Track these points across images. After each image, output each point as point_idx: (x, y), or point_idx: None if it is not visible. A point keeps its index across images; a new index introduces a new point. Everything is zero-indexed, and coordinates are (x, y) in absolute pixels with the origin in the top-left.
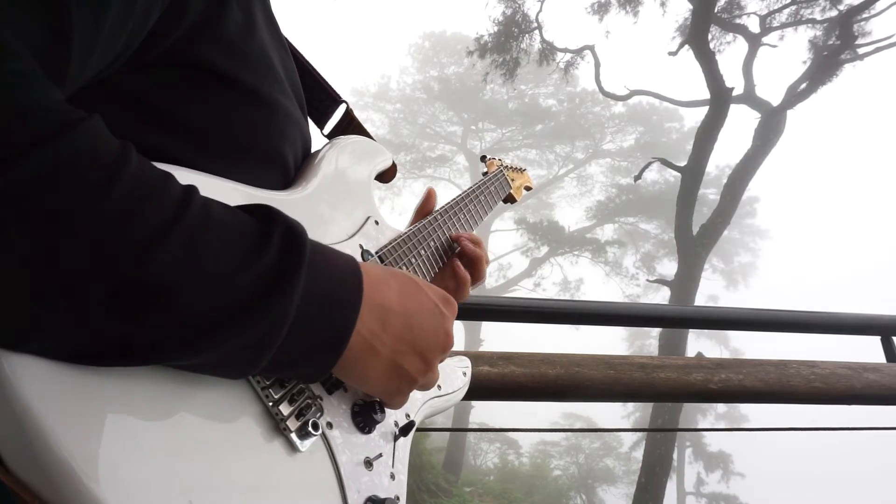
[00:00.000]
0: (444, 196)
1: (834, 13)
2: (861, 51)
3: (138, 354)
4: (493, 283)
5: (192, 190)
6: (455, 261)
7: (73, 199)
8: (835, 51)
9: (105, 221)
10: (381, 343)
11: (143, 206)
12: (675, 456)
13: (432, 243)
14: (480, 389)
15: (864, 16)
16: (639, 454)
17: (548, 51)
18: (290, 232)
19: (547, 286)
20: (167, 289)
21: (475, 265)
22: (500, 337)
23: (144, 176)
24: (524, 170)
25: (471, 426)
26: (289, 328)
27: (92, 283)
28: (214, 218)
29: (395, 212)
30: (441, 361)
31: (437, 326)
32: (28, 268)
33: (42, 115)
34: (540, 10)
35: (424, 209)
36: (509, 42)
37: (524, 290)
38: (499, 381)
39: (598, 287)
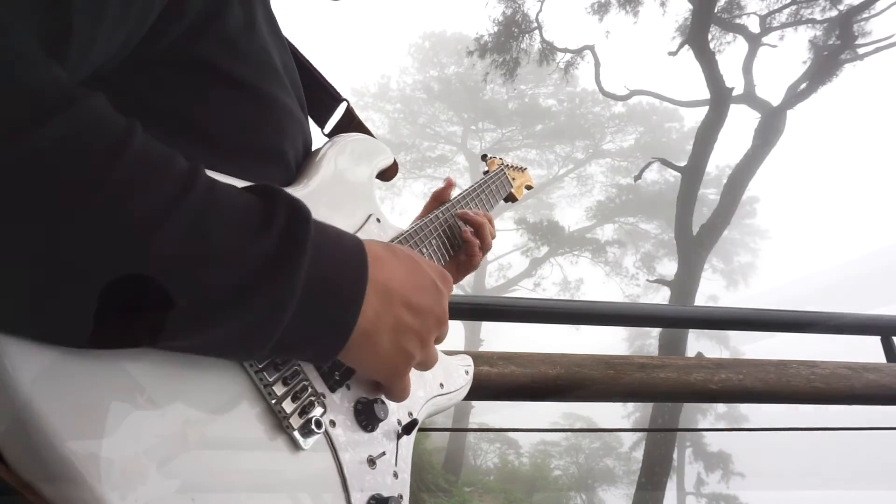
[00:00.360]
0: None
1: (834, 13)
2: (861, 51)
3: (142, 334)
4: (493, 283)
5: (197, 167)
6: (466, 229)
7: (77, 173)
8: (835, 51)
9: (110, 196)
10: (383, 322)
11: (148, 181)
12: (675, 456)
13: (434, 241)
14: (480, 389)
15: (864, 16)
16: (639, 454)
17: (548, 51)
18: (294, 209)
19: (547, 286)
20: (173, 265)
21: (479, 230)
22: (500, 337)
23: (150, 151)
24: (525, 169)
25: (471, 426)
26: (297, 304)
27: (96, 259)
28: (220, 195)
29: (396, 211)
30: (437, 341)
31: (434, 303)
32: (30, 245)
33: (45, 91)
34: (540, 10)
35: (440, 197)
36: (509, 42)
37: (524, 291)
38: (499, 381)
39: (598, 287)
